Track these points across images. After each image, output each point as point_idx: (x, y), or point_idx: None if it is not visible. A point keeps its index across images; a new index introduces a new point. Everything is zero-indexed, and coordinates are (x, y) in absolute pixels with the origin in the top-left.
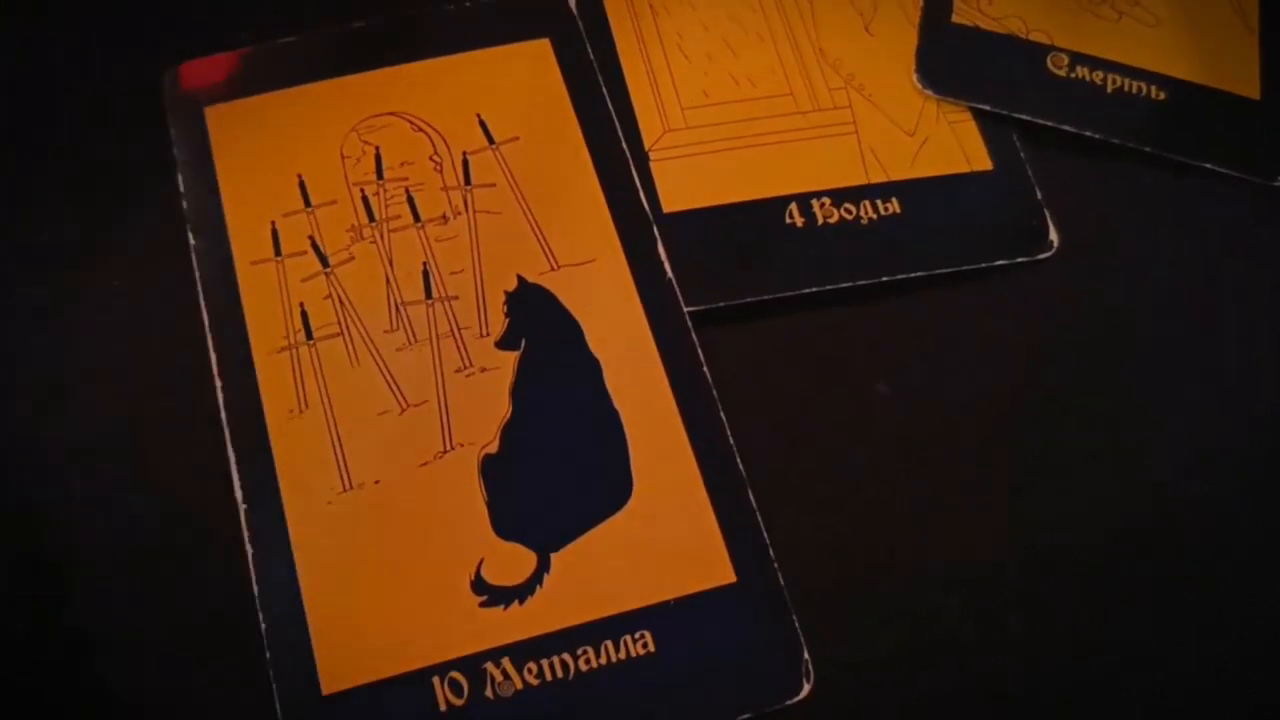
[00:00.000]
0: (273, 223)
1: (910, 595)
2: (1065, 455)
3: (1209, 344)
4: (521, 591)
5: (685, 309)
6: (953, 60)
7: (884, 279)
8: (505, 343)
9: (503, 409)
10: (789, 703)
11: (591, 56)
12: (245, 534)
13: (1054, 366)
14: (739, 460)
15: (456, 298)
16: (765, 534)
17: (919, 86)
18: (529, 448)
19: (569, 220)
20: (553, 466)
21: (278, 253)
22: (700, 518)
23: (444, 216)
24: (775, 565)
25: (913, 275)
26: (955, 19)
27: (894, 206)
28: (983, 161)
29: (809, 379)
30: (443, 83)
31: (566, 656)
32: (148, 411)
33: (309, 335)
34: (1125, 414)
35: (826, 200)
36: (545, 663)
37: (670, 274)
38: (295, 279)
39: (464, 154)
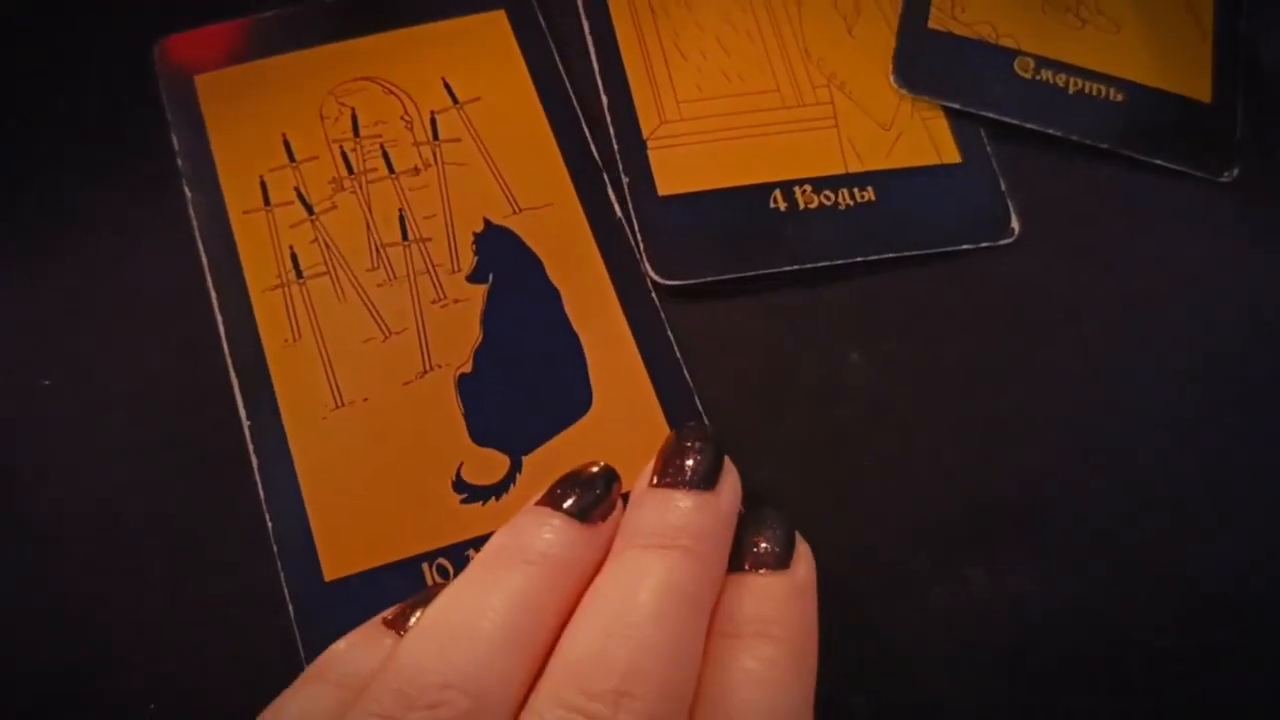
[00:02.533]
0: (261, 177)
1: (873, 545)
2: (1021, 420)
3: (1156, 324)
4: (497, 489)
5: (673, 282)
6: (927, 62)
7: (858, 260)
8: (475, 277)
9: (474, 334)
10: None
11: (543, 23)
12: (250, 446)
13: (1012, 341)
14: (684, 368)
15: (430, 239)
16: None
17: (895, 86)
18: (499, 367)
19: (527, 169)
20: (521, 382)
21: (267, 203)
22: (653, 424)
23: (416, 169)
24: None
25: (884, 257)
26: (931, 24)
27: (869, 194)
28: (952, 155)
29: (788, 347)
30: (411, 50)
31: None
32: (157, 346)
33: (299, 274)
34: (1077, 384)
35: (808, 187)
36: None
37: (619, 214)
38: (284, 225)
39: (431, 113)
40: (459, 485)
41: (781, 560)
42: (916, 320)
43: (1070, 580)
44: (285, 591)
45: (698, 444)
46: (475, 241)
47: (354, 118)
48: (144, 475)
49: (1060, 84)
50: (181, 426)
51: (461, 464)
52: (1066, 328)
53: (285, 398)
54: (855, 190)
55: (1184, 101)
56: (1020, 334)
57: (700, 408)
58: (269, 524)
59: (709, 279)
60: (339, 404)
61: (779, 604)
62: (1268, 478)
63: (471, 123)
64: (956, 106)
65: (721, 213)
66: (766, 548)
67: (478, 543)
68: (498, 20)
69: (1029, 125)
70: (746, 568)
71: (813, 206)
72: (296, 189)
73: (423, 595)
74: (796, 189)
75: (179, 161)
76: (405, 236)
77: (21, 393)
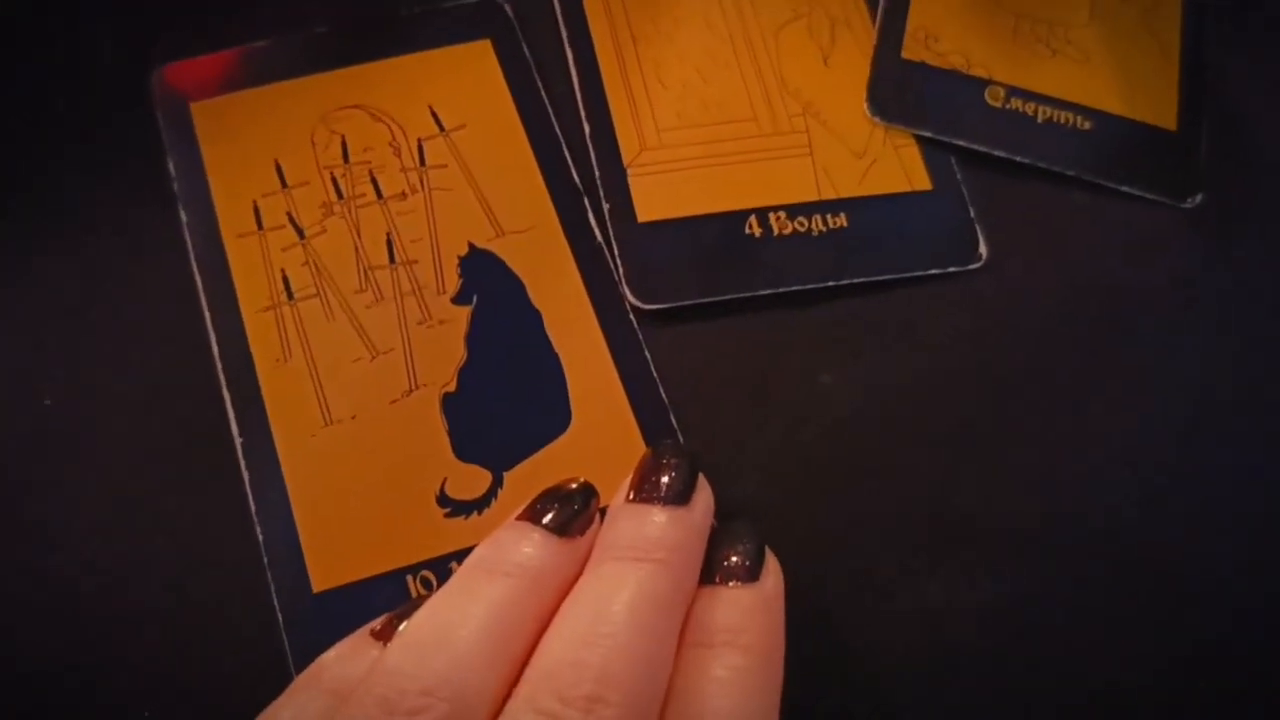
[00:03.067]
0: (254, 201)
1: (853, 558)
2: (983, 439)
3: (1123, 345)
4: (480, 504)
5: (652, 305)
6: (900, 92)
7: (830, 284)
8: (459, 299)
9: (459, 354)
10: None
11: (527, 53)
12: (242, 461)
13: (979, 363)
14: (660, 387)
15: (416, 262)
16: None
17: (869, 114)
18: (482, 386)
19: (511, 194)
20: (503, 401)
21: (259, 227)
22: (630, 441)
23: (403, 193)
24: None
25: (856, 281)
26: (905, 55)
27: (842, 220)
28: (923, 182)
29: (761, 368)
30: (399, 79)
31: None
32: (152, 365)
33: (290, 296)
34: (1039, 402)
35: (782, 214)
36: None
37: (599, 238)
38: (276, 249)
39: (418, 140)
40: (443, 500)
41: (751, 573)
42: (887, 342)
43: (1068, 581)
44: (274, 602)
45: (673, 461)
46: (460, 264)
47: (344, 144)
48: (137, 488)
49: (1030, 113)
50: (175, 441)
51: (445, 479)
52: (1032, 350)
53: (276, 415)
54: (828, 216)
55: (1150, 130)
56: (987, 355)
57: (676, 425)
58: (259, 537)
59: (685, 302)
60: (328, 421)
61: (748, 615)
62: (1266, 479)
63: (457, 149)
64: (928, 135)
65: (698, 238)
66: (737, 561)
67: (460, 555)
68: (483, 50)
69: (998, 153)
70: (718, 580)
71: (786, 233)
72: (288, 213)
73: (407, 606)
74: (771, 215)
75: (175, 186)
76: (392, 259)
77: (19, 405)
